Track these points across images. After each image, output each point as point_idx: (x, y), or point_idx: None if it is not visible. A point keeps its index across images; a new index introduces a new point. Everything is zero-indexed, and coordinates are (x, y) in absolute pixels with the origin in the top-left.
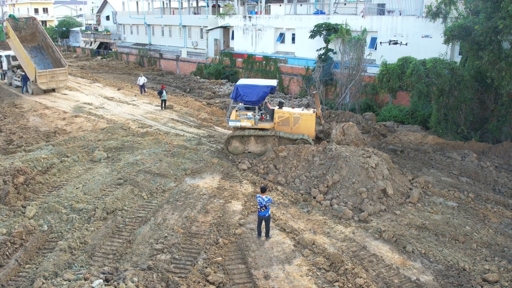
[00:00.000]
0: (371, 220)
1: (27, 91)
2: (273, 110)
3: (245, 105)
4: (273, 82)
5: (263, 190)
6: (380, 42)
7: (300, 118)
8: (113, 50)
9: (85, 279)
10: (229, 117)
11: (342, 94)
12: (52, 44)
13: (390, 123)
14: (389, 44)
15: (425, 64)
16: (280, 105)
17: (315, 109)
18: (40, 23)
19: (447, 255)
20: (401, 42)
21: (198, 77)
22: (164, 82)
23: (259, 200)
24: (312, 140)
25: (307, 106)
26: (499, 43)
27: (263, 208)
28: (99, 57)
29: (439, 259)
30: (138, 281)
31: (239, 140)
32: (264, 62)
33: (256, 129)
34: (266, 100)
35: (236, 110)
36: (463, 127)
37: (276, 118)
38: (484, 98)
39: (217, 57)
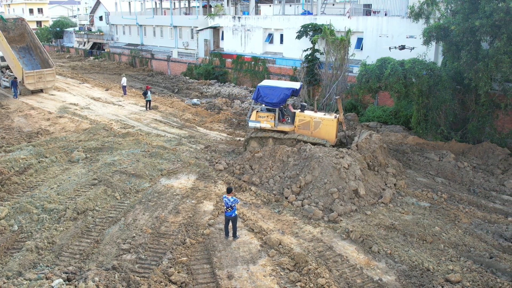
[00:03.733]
0: (341, 220)
1: (19, 94)
2: (295, 113)
3: (266, 107)
4: (296, 85)
5: (229, 191)
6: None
7: (321, 122)
8: (105, 50)
9: (47, 279)
10: (249, 117)
11: (326, 95)
12: (40, 45)
13: (374, 123)
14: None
15: (403, 64)
16: (302, 108)
17: (337, 114)
18: (28, 24)
19: (412, 256)
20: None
21: (187, 77)
22: (153, 82)
23: (225, 200)
24: (332, 145)
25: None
26: (476, 43)
27: (230, 208)
28: (91, 58)
29: (404, 259)
30: (99, 281)
31: (258, 141)
32: (253, 62)
33: (275, 131)
34: (288, 102)
35: (257, 111)
36: (443, 128)
37: (296, 121)
38: (465, 99)
39: (207, 57)
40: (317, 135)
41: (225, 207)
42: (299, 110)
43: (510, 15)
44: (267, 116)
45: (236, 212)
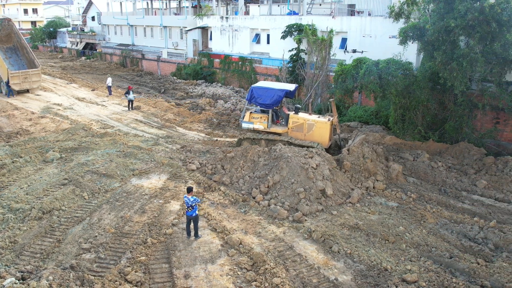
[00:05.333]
0: (306, 220)
1: (11, 95)
2: (289, 115)
3: (261, 108)
4: (290, 87)
5: (189, 191)
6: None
7: (314, 125)
8: (97, 50)
9: (0, 277)
10: (243, 118)
11: (308, 94)
12: (26, 45)
13: (355, 123)
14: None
15: (378, 64)
16: (296, 110)
17: (331, 117)
18: (15, 24)
19: (372, 255)
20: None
21: (175, 77)
22: (141, 82)
23: (186, 200)
24: (326, 148)
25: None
26: (452, 43)
27: (190, 208)
28: (83, 58)
29: (363, 259)
30: (53, 280)
31: (250, 142)
32: (240, 62)
33: (268, 132)
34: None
35: (251, 112)
36: (420, 128)
37: (290, 123)
38: (443, 99)
39: (196, 57)
40: (310, 137)
41: (185, 207)
42: (293, 112)
43: (483, 14)
44: (261, 118)
45: (197, 212)
